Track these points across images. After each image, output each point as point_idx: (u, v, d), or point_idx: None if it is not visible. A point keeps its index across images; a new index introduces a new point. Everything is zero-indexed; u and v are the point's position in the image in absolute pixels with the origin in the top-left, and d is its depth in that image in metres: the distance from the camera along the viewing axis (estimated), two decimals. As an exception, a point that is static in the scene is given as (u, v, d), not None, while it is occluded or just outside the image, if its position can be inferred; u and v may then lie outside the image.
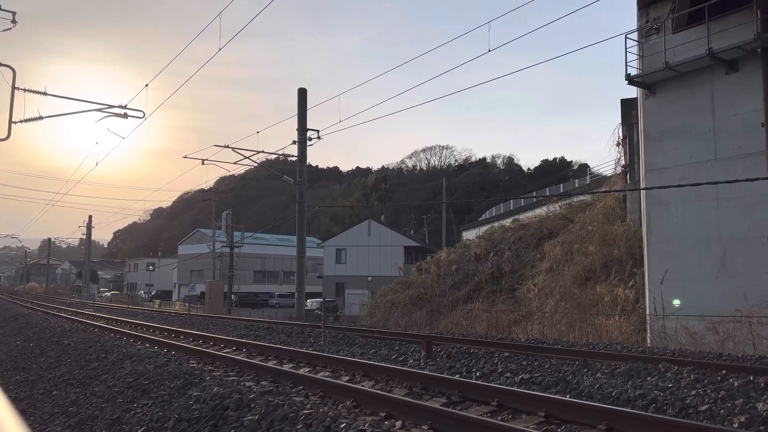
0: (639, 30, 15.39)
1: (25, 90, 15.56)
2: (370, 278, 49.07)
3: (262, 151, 24.31)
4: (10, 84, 15.04)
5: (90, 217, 60.05)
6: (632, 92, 18.55)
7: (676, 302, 13.22)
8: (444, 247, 39.69)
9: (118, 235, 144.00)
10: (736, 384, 6.41)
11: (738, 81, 13.33)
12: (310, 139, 22.22)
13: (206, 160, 23.03)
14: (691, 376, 6.94)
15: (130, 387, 7.37)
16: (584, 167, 69.48)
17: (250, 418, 5.23)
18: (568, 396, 6.09)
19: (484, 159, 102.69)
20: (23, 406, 7.83)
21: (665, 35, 14.39)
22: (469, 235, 43.86)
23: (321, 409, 5.32)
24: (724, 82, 13.56)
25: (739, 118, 13.26)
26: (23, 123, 15.81)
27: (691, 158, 14.00)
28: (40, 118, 16.27)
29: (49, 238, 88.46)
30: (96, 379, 8.48)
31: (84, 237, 63.24)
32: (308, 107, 22.43)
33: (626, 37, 14.70)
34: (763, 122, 12.62)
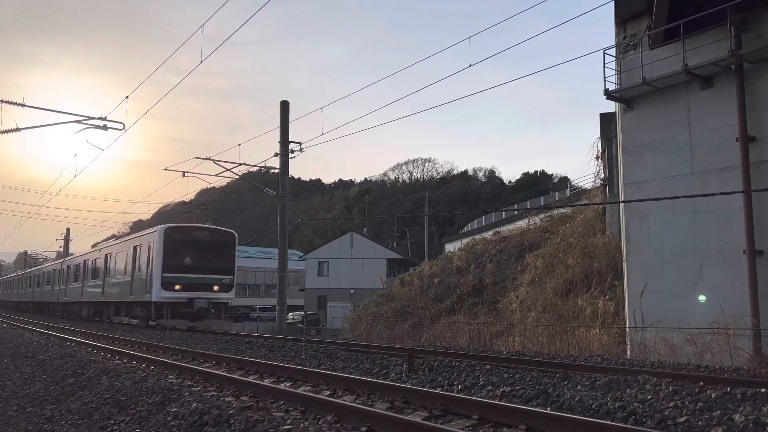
0: (617, 46, 15.68)
1: (2, 101, 15.36)
2: (352, 291, 48.96)
3: (244, 164, 24.14)
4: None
5: (68, 229, 59.26)
6: (611, 106, 18.84)
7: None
8: (426, 260, 39.74)
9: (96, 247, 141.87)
10: (713, 395, 6.48)
11: (713, 96, 13.62)
12: (293, 151, 22.22)
13: (187, 172, 22.82)
14: (670, 387, 7.00)
15: (107, 403, 7.24)
16: (564, 180, 70.30)
17: (229, 434, 5.15)
18: (548, 409, 6.10)
19: (465, 172, 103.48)
20: (-4, 424, 7.65)
21: (642, 51, 14.67)
22: (452, 247, 44.00)
23: (301, 425, 5.28)
24: (700, 97, 13.85)
25: (714, 132, 13.53)
26: (0, 135, 15.59)
27: (669, 172, 14.23)
28: (18, 129, 16.06)
29: (26, 251, 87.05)
30: (72, 395, 8.31)
31: (61, 249, 62.26)
32: (291, 119, 22.45)
33: (604, 53, 14.96)
34: (738, 137, 12.90)
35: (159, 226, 22.34)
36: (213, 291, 21.97)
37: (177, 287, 21.05)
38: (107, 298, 26.42)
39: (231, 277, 22.73)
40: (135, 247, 23.60)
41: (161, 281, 20.92)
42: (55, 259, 52.24)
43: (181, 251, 21.93)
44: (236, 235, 23.61)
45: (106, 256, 27.20)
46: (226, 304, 22.86)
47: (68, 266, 35.00)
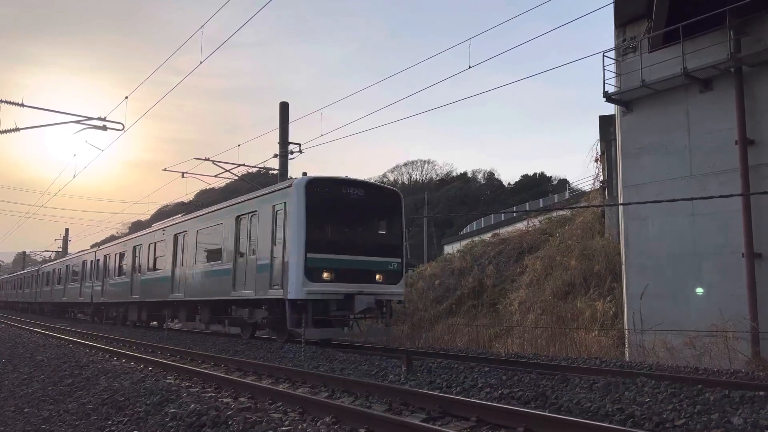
0: (616, 48, 15.71)
1: (2, 101, 15.37)
2: (351, 292, 48.72)
3: (243, 164, 24.03)
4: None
5: (67, 230, 59.36)
6: (611, 108, 18.88)
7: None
8: (425, 261, 39.76)
9: (95, 248, 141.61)
10: (711, 398, 6.48)
11: (712, 100, 13.64)
12: (292, 152, 22.18)
13: (186, 172, 22.78)
14: (668, 390, 7.00)
15: (105, 404, 7.23)
16: (564, 182, 70.24)
17: (227, 435, 5.13)
18: (547, 411, 6.10)
19: (465, 174, 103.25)
20: (-6, 424, 7.64)
21: (642, 54, 14.70)
22: (450, 249, 44.00)
23: (299, 426, 5.28)
24: (699, 100, 13.87)
25: (713, 135, 13.55)
26: (0, 135, 15.60)
27: (668, 174, 14.25)
28: (17, 129, 16.06)
29: (24, 251, 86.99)
30: (70, 395, 8.31)
31: (60, 250, 62.23)
32: (290, 120, 22.41)
33: (604, 56, 14.99)
34: (737, 140, 12.92)
35: (293, 179, 13.93)
36: (376, 282, 13.88)
37: (325, 276, 13.06)
38: (182, 296, 18.58)
39: (400, 260, 14.52)
40: (239, 219, 15.53)
41: (304, 266, 12.81)
42: (55, 259, 51.34)
43: (328, 219, 13.89)
44: (402, 196, 15.37)
45: (174, 237, 19.56)
46: (392, 303, 14.90)
47: (105, 256, 27.38)
